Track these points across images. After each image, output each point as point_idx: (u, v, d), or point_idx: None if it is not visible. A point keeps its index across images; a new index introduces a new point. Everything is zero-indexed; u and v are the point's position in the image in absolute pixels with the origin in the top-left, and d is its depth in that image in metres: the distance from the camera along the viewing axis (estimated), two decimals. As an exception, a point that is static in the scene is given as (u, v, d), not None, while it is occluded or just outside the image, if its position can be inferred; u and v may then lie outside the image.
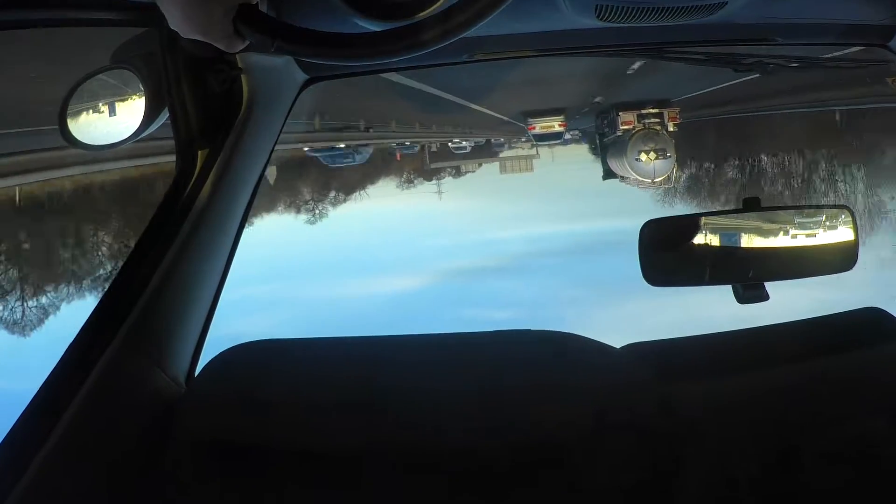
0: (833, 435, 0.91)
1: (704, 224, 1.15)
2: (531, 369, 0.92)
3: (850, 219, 1.21)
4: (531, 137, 19.22)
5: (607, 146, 16.95)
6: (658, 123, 13.85)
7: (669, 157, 13.67)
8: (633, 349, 0.96)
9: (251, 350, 0.99)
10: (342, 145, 14.91)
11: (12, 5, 1.00)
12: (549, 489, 0.86)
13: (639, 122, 13.87)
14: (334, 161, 15.07)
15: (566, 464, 0.86)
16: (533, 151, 22.48)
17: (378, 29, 0.98)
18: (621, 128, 13.95)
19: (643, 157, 13.53)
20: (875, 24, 1.38)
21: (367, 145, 16.03)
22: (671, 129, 14.05)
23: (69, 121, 1.20)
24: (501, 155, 24.15)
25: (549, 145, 20.76)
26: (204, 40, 0.93)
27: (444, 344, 0.98)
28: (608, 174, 16.99)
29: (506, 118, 20.05)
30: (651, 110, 13.91)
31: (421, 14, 0.92)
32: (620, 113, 14.03)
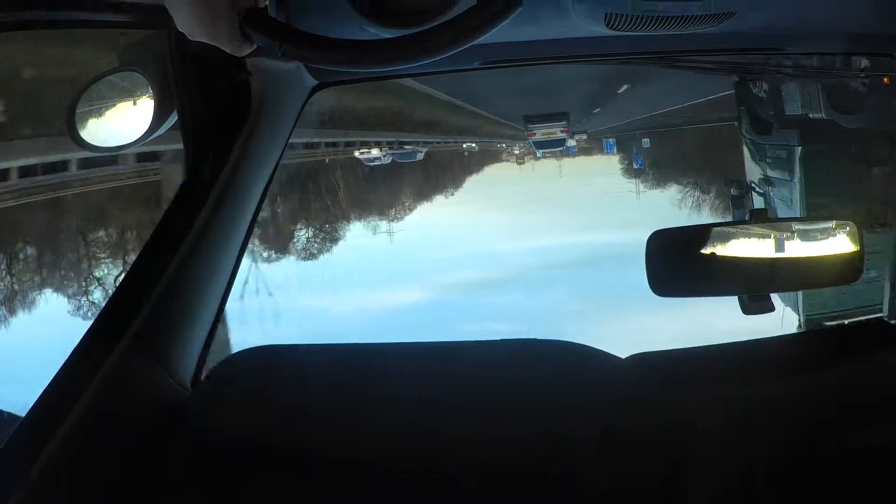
0: (842, 446, 0.91)
1: (711, 235, 1.16)
2: (536, 380, 0.92)
3: (855, 231, 1.22)
4: (531, 145, 18.27)
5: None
6: None
7: None
8: (639, 359, 0.96)
9: (258, 355, 0.99)
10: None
11: (23, 6, 1.01)
12: (552, 499, 0.86)
13: None
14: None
15: (572, 477, 0.86)
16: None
17: (388, 36, 0.98)
18: None
19: None
20: (883, 34, 1.38)
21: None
22: None
23: (78, 123, 1.20)
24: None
25: (552, 154, 19.15)
26: (211, 43, 0.93)
27: (449, 353, 0.99)
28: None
29: (504, 121, 19.15)
30: None
31: (431, 22, 0.92)
32: None
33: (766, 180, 5.33)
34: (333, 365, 0.99)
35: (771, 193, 5.25)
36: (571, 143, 18.02)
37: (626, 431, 0.87)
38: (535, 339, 0.97)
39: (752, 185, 5.35)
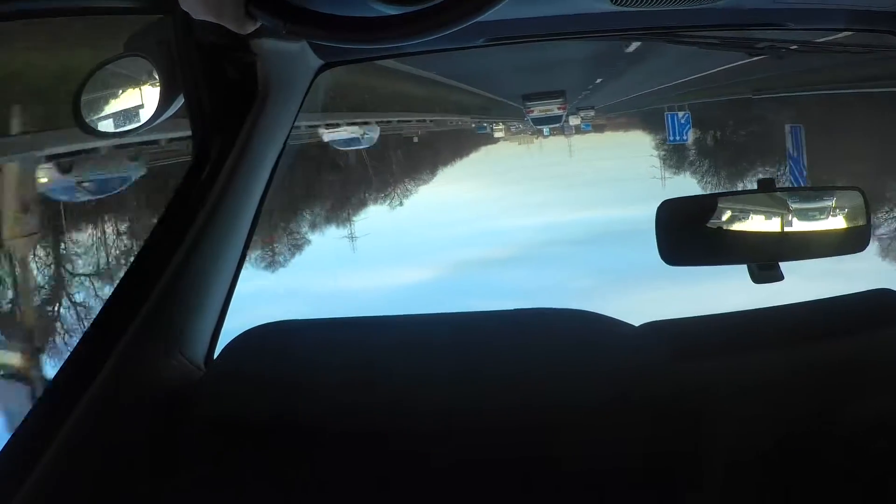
0: (851, 414, 0.91)
1: (720, 204, 1.16)
2: (548, 348, 0.92)
3: (861, 200, 1.22)
4: (530, 121, 18.11)
5: None
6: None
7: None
8: (651, 327, 0.96)
9: (270, 331, 1.00)
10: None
11: None
12: (567, 469, 0.86)
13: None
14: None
15: (584, 443, 0.86)
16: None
17: (392, 12, 0.98)
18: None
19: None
20: (885, 10, 1.38)
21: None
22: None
23: (83, 109, 1.20)
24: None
25: (562, 133, 18.25)
26: (216, 21, 0.94)
27: (464, 324, 0.99)
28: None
29: (504, 100, 19.05)
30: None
31: None
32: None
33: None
34: (346, 339, 0.99)
35: None
36: (576, 120, 17.52)
37: (641, 398, 0.87)
38: (545, 308, 0.97)
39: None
